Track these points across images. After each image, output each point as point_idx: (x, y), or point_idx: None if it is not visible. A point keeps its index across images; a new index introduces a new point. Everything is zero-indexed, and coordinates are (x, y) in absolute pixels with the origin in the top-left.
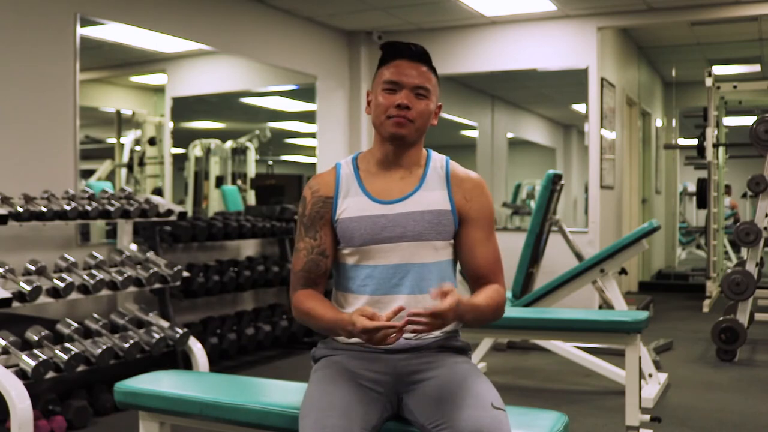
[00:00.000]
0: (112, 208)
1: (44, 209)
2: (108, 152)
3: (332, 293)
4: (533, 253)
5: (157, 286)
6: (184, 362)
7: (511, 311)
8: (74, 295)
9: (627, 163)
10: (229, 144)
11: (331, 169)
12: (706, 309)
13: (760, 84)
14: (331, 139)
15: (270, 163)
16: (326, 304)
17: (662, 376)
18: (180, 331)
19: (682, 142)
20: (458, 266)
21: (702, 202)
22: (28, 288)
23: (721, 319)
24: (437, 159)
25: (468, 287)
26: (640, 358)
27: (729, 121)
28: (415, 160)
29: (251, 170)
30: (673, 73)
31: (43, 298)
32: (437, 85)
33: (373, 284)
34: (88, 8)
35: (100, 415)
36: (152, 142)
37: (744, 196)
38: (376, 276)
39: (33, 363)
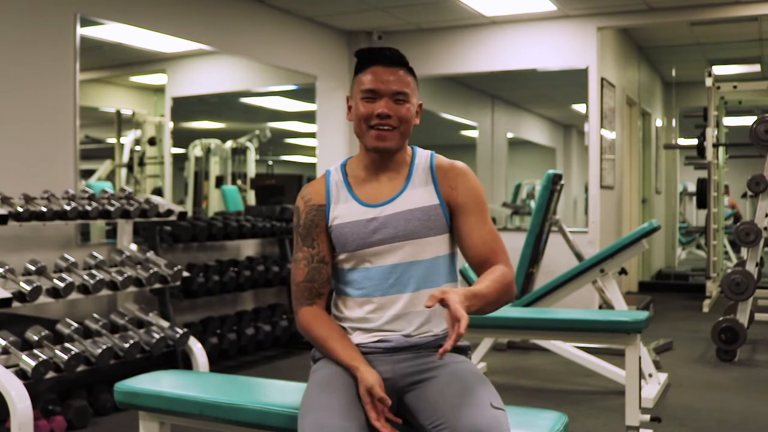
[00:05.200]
0: (112, 208)
1: (44, 209)
2: (108, 152)
3: (332, 298)
4: (533, 253)
5: (157, 286)
6: (184, 362)
7: (511, 311)
8: (74, 295)
9: (627, 163)
10: (229, 144)
11: (321, 176)
12: (706, 309)
13: (760, 84)
14: (331, 139)
15: (270, 163)
16: (338, 334)
17: (662, 376)
18: (180, 331)
19: (682, 142)
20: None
21: (702, 202)
22: (28, 288)
23: (721, 319)
24: (422, 155)
25: (470, 277)
26: (640, 358)
27: (729, 121)
28: (400, 161)
29: (251, 170)
30: (673, 73)
31: (43, 298)
32: (416, 86)
33: (371, 286)
34: (88, 8)
35: (100, 415)
36: (152, 142)
37: (744, 196)
38: (374, 278)
39: (33, 363)
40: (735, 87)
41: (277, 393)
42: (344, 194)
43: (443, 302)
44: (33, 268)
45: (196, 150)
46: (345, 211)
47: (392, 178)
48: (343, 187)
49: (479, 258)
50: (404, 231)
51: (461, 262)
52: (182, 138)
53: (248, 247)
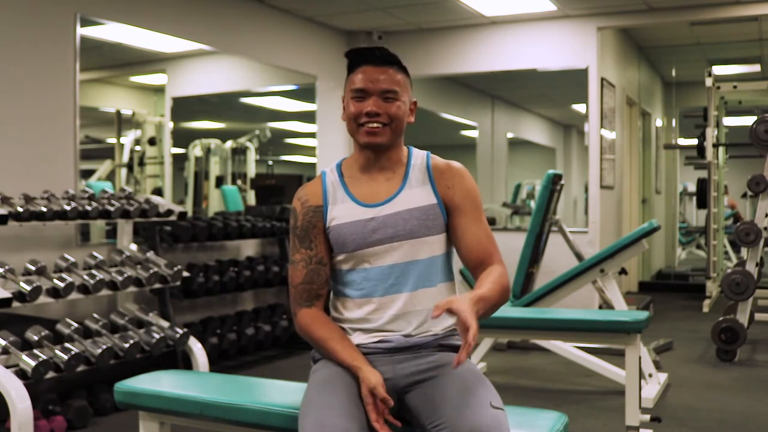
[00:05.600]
0: (112, 208)
1: (44, 209)
2: (108, 152)
3: (330, 299)
4: (533, 253)
5: (157, 286)
6: (184, 362)
7: (511, 311)
8: (74, 295)
9: (627, 163)
10: (229, 144)
11: (317, 178)
12: (706, 309)
13: (760, 84)
14: (331, 139)
15: (270, 163)
16: (339, 335)
17: (662, 376)
18: (180, 331)
19: (682, 142)
20: (455, 261)
21: (702, 202)
22: (28, 288)
23: (721, 319)
24: (418, 155)
25: (469, 277)
26: (640, 358)
27: (729, 121)
28: (396, 160)
29: (251, 170)
30: (673, 73)
31: (43, 298)
32: (408, 84)
33: (370, 287)
34: (88, 8)
35: (100, 415)
36: (152, 142)
37: (744, 196)
38: (373, 278)
39: (33, 363)
40: (735, 87)
41: (277, 393)
42: (341, 194)
43: (450, 312)
44: (33, 268)
45: (196, 150)
46: (343, 212)
47: (389, 177)
48: (340, 187)
49: (475, 259)
50: (403, 231)
51: (459, 264)
52: (182, 138)
53: (248, 247)
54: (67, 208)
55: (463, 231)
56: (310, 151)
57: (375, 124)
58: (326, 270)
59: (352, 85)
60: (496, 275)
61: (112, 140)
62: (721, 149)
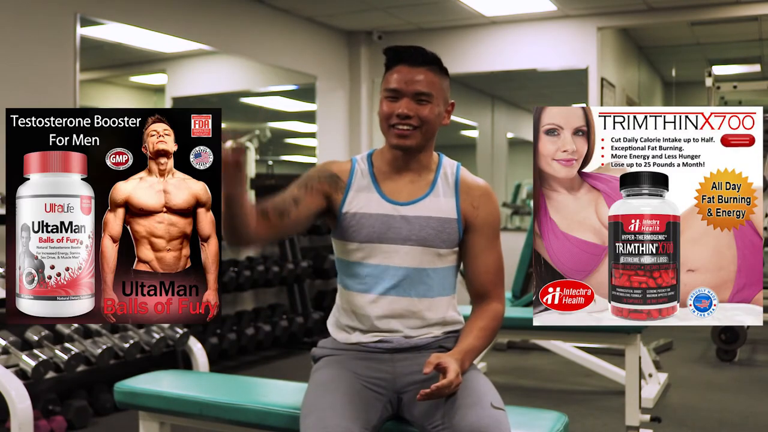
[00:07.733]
0: None
1: None
2: None
3: (337, 290)
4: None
5: None
6: (184, 362)
7: (511, 311)
8: None
9: None
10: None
11: (347, 161)
12: None
13: (760, 84)
14: (331, 139)
15: (270, 163)
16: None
17: (662, 376)
18: (180, 331)
19: None
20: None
21: None
22: None
23: None
24: (448, 165)
25: (468, 294)
26: (640, 358)
27: None
28: (425, 164)
29: (251, 170)
30: (673, 73)
31: None
32: (445, 85)
33: (373, 283)
34: (88, 8)
35: (100, 415)
36: None
37: None
38: (378, 276)
39: (33, 363)
40: (735, 87)
41: (277, 393)
42: (367, 184)
43: (439, 367)
44: None
45: None
46: (365, 201)
47: (414, 180)
48: (368, 176)
49: (478, 286)
50: (417, 236)
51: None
52: None
53: None
54: None
55: (475, 255)
56: (310, 151)
57: (405, 127)
58: (291, 211)
59: (387, 84)
60: (487, 320)
61: None
62: None
